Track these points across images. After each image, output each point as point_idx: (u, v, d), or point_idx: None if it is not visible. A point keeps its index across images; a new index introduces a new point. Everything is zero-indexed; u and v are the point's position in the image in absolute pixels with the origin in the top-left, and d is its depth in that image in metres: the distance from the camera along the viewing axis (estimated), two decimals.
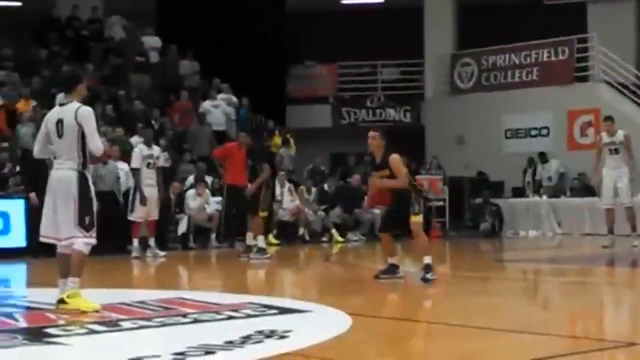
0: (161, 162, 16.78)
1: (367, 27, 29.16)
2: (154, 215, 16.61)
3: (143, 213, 16.33)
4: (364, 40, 28.98)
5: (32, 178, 15.75)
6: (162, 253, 16.70)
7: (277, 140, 23.27)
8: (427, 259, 11.20)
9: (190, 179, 20.19)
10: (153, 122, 22.01)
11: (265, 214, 16.68)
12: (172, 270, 15.51)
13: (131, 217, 16.45)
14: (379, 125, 26.75)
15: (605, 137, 16.91)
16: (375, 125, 26.29)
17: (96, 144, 8.69)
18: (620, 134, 16.79)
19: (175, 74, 25.50)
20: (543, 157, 24.09)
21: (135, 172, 16.38)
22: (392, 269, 11.63)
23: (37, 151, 9.10)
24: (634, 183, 17.05)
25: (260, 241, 16.07)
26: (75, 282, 8.66)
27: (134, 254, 16.37)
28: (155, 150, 16.72)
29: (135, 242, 16.51)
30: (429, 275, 11.06)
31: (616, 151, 16.81)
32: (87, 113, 8.73)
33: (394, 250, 11.80)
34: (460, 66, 27.39)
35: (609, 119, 17.14)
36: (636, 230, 17.12)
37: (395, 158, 11.31)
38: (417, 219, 11.30)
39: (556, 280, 12.98)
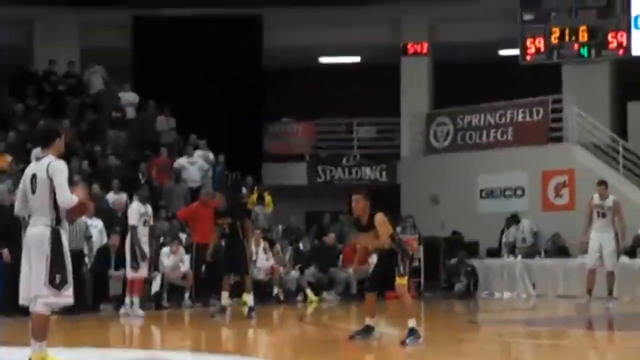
0: (151, 221, 16.83)
1: (343, 86, 29.28)
2: (145, 273, 16.69)
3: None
4: (341, 99, 29.09)
5: (8, 234, 15.60)
6: (142, 312, 16.63)
7: (253, 197, 23.23)
8: (411, 323, 11.14)
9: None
10: (140, 176, 22.03)
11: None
12: (145, 329, 15.37)
13: (134, 275, 16.46)
14: (355, 184, 26.90)
15: (596, 199, 17.36)
16: (351, 184, 26.54)
17: (65, 197, 8.50)
18: (610, 200, 17.25)
19: (152, 130, 25.49)
20: (515, 219, 24.11)
21: (134, 229, 16.39)
22: (368, 330, 11.59)
23: (17, 209, 8.96)
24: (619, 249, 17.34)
25: (251, 300, 16.01)
26: (42, 345, 8.50)
27: (123, 310, 16.38)
28: (149, 208, 16.88)
29: (136, 299, 16.53)
30: (408, 340, 11.00)
31: (604, 215, 17.21)
32: (59, 167, 8.60)
33: (375, 311, 11.74)
34: (436, 125, 27.50)
35: (603, 183, 17.60)
36: (612, 293, 17.27)
37: (380, 217, 11.28)
38: (402, 281, 11.26)
39: (530, 343, 12.94)
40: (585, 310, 16.89)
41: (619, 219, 17.18)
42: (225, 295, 16.05)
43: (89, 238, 17.90)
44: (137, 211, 16.46)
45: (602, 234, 17.16)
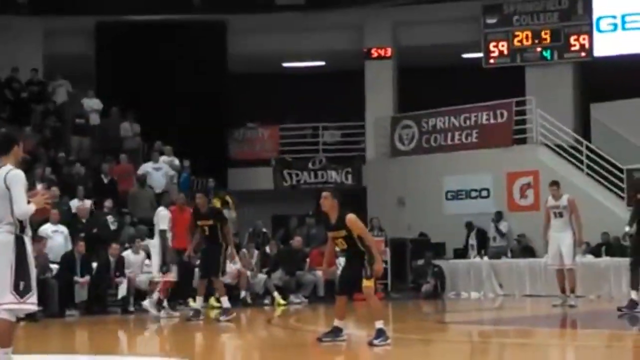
0: None
1: (308, 90, 29.30)
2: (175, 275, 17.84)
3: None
4: (306, 103, 29.12)
5: None
6: (177, 313, 17.31)
7: (216, 201, 23.08)
8: (379, 324, 11.11)
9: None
10: (103, 179, 22.20)
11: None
12: (111, 334, 15.29)
13: (166, 278, 17.29)
14: (321, 187, 26.94)
15: (550, 201, 17.57)
16: (317, 188, 26.61)
17: (21, 209, 8.42)
18: (564, 199, 17.39)
19: (116, 136, 25.36)
20: (498, 216, 24.29)
21: (164, 233, 17.53)
22: (336, 332, 11.57)
23: None
24: (577, 246, 17.56)
25: (225, 302, 16.04)
26: (7, 352, 8.43)
27: (163, 313, 16.92)
28: None
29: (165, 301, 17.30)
30: (376, 341, 10.98)
31: (560, 215, 17.40)
32: (16, 177, 8.50)
33: (344, 314, 11.72)
34: (401, 128, 27.57)
35: (555, 183, 17.78)
36: (575, 291, 17.49)
37: (352, 218, 11.30)
38: (369, 283, 11.26)
39: (498, 342, 12.99)
40: (561, 306, 17.16)
41: (575, 217, 17.37)
42: (199, 299, 16.18)
43: None
44: (166, 216, 17.35)
45: (560, 234, 17.37)
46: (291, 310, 19.90)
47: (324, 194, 11.55)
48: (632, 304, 15.23)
